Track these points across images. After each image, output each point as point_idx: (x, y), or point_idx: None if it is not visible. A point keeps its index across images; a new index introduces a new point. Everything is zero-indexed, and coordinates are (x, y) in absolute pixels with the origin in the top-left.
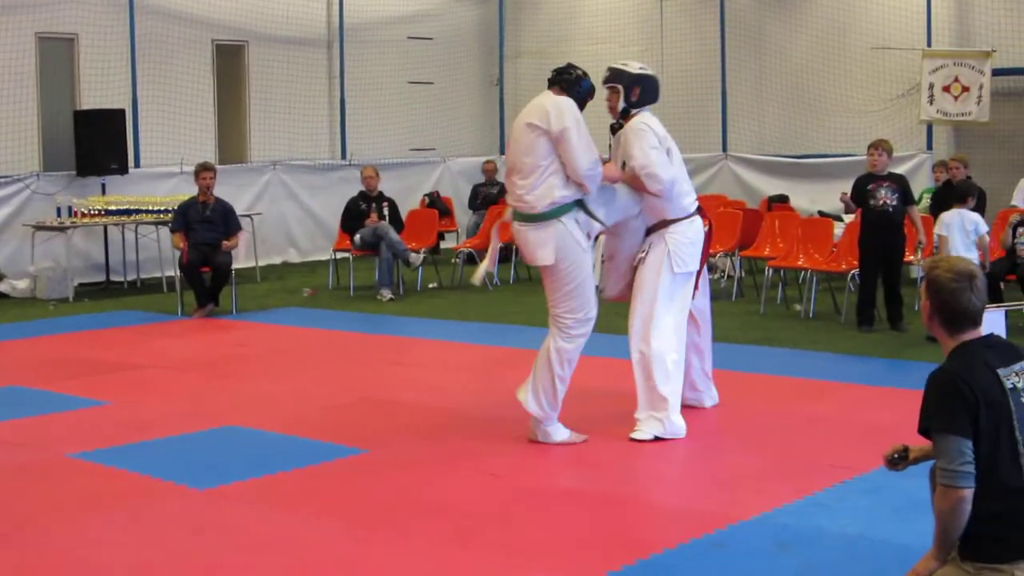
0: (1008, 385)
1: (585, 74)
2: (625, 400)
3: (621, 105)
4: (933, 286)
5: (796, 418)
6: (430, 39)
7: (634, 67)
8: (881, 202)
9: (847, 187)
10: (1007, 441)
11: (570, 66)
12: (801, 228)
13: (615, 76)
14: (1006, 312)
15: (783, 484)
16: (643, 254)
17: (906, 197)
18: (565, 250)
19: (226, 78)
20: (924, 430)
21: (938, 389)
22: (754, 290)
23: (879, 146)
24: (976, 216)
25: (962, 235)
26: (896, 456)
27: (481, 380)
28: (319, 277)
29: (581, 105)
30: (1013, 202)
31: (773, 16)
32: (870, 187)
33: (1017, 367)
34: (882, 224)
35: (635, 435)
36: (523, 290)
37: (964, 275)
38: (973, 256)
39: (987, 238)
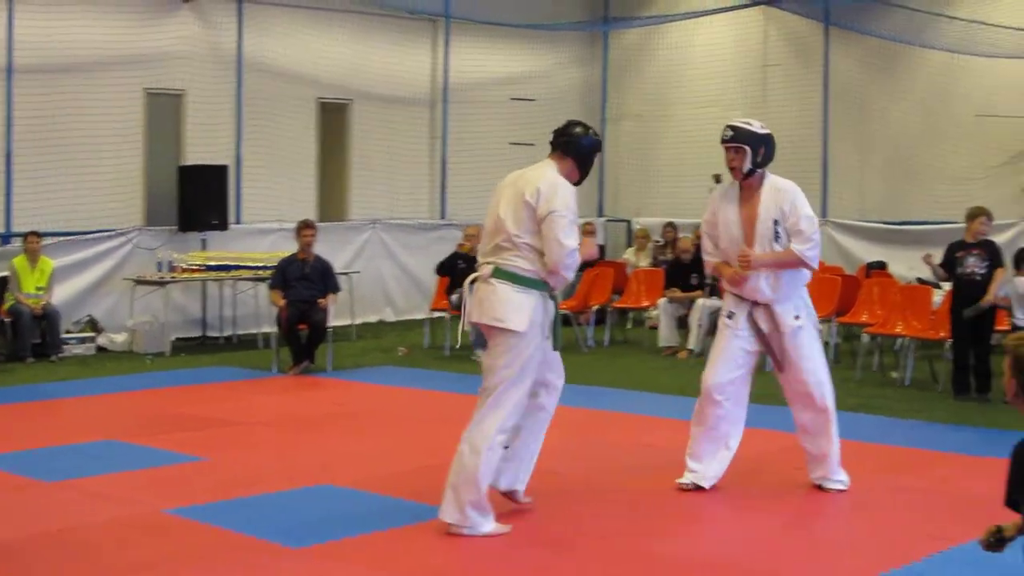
0: None
1: (587, 130)
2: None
3: (747, 166)
4: (1019, 364)
5: (892, 487)
6: (532, 100)
7: (757, 126)
8: (969, 270)
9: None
10: None
11: (569, 124)
12: (900, 295)
13: (740, 136)
14: None
15: (882, 553)
16: (798, 321)
17: (994, 263)
18: (534, 324)
19: (329, 136)
20: (1012, 502)
21: (1023, 460)
22: (851, 357)
23: (986, 215)
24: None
25: (1020, 302)
26: (993, 539)
27: (575, 442)
28: (414, 336)
29: (587, 163)
30: None
31: (877, 82)
32: (959, 254)
33: None
34: (969, 292)
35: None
36: (617, 352)
37: None
38: None
39: None
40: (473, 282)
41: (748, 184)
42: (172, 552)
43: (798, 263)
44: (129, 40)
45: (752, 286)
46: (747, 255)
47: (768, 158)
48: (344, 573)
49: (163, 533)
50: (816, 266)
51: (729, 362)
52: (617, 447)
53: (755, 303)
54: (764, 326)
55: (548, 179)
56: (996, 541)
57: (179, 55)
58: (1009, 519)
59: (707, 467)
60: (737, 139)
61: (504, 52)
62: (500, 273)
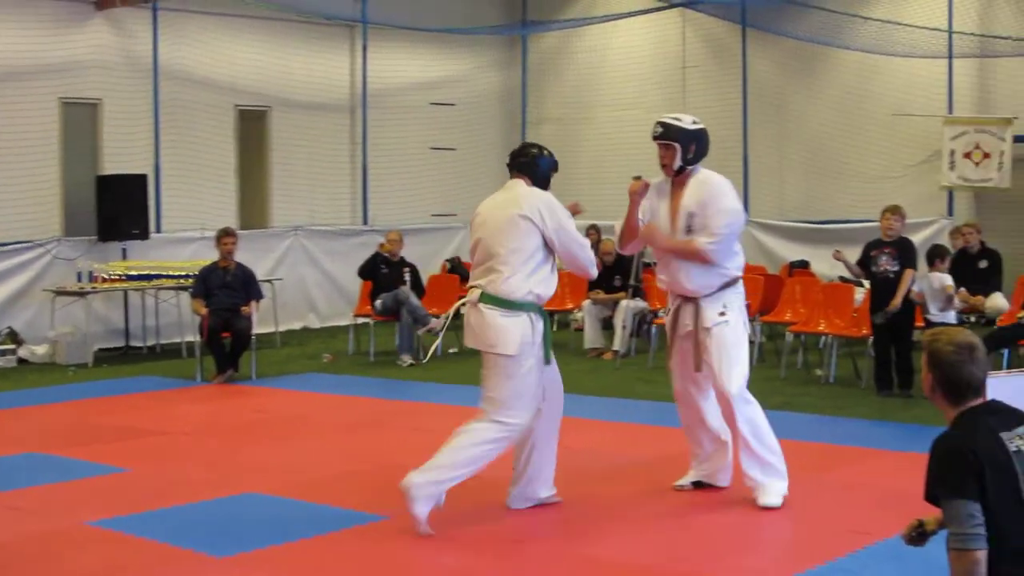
0: (1012, 448)
1: (542, 152)
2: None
3: (678, 163)
4: (934, 358)
5: (816, 483)
6: (452, 105)
7: (687, 121)
8: (881, 268)
9: None
10: (1015, 503)
11: (524, 147)
12: (822, 293)
13: (670, 133)
14: None
15: (805, 550)
16: (723, 316)
17: (905, 261)
18: (526, 346)
19: (249, 143)
20: (931, 497)
21: (942, 455)
22: (775, 355)
23: (896, 211)
24: (940, 275)
25: (933, 298)
26: (915, 534)
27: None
28: (339, 342)
29: (545, 184)
30: None
31: (795, 83)
32: (873, 253)
33: (1020, 430)
34: (883, 290)
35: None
36: None
37: (964, 347)
38: (948, 317)
39: (950, 289)
40: (463, 305)
41: (679, 180)
42: (96, 565)
43: (695, 255)
44: (42, 49)
45: (672, 278)
46: (651, 228)
47: (700, 154)
48: None
49: (86, 546)
50: (714, 260)
51: (680, 364)
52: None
53: (684, 298)
54: (689, 321)
55: (538, 196)
56: (918, 535)
57: (94, 64)
58: (930, 513)
59: (706, 464)
60: (667, 136)
61: (423, 57)
62: (487, 298)
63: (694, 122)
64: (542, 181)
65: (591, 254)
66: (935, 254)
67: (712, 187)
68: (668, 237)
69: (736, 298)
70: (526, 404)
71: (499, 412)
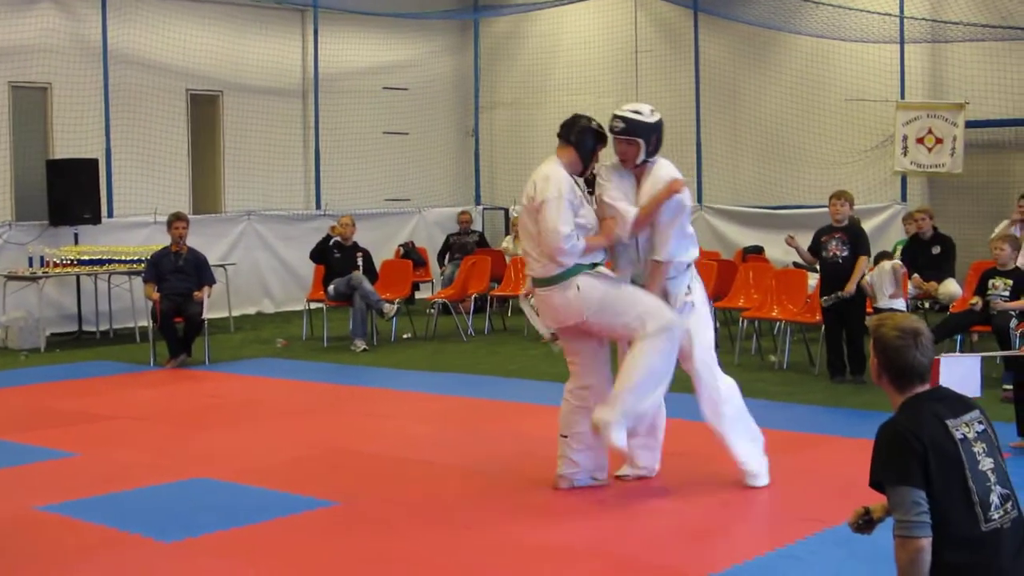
0: (958, 436)
1: (589, 121)
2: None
3: (641, 157)
4: (879, 344)
5: (768, 470)
6: (405, 89)
7: (647, 113)
8: (831, 253)
9: None
10: (961, 491)
11: (575, 117)
12: (775, 279)
13: (633, 128)
14: (982, 359)
15: (753, 537)
16: (688, 297)
17: (856, 247)
18: (591, 302)
19: (200, 128)
20: (876, 483)
21: (888, 442)
22: (729, 341)
23: (841, 196)
24: (892, 261)
25: (883, 282)
26: (861, 521)
27: (453, 431)
28: (293, 327)
29: (585, 151)
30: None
31: (747, 68)
32: (823, 239)
33: (967, 417)
34: (833, 275)
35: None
36: (498, 340)
37: (909, 332)
38: (898, 304)
39: (898, 267)
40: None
41: (637, 171)
42: (43, 549)
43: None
44: None
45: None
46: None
47: (660, 144)
48: (218, 566)
49: (33, 531)
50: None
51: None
52: (493, 436)
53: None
54: None
55: (542, 172)
56: (864, 523)
57: (43, 47)
58: (877, 501)
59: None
60: (629, 132)
61: (375, 41)
62: (535, 282)
63: (652, 111)
64: (584, 148)
65: (563, 242)
66: (881, 257)
67: (659, 181)
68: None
69: (699, 284)
70: (661, 305)
71: (649, 323)
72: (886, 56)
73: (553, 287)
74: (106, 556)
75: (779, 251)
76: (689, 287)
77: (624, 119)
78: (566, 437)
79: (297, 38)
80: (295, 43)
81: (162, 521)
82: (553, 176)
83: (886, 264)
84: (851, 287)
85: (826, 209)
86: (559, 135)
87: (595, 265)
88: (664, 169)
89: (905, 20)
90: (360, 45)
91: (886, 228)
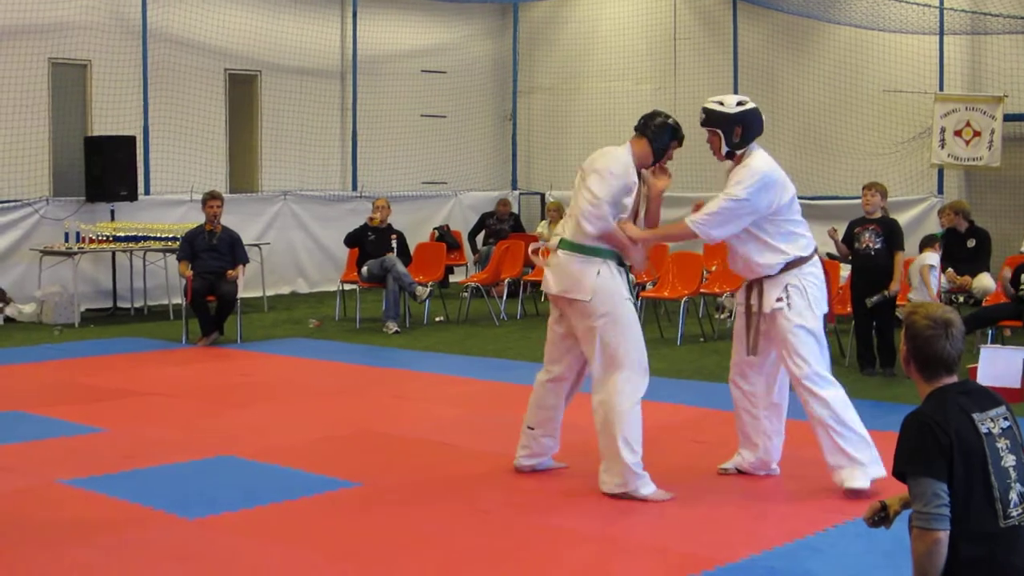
0: (983, 430)
1: (667, 118)
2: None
3: (725, 148)
4: (910, 332)
5: (792, 461)
6: (443, 73)
7: (732, 104)
8: (864, 245)
9: None
10: (982, 486)
11: (655, 113)
12: None
13: (711, 119)
14: None
15: (774, 527)
16: (779, 303)
17: (891, 241)
18: (602, 292)
19: (238, 107)
20: (899, 474)
21: (913, 432)
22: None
23: (872, 187)
24: (925, 255)
25: (917, 277)
26: (877, 517)
27: (479, 415)
28: (327, 308)
29: (659, 144)
30: (1023, 248)
31: (785, 57)
32: (857, 230)
33: (992, 413)
34: (866, 267)
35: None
36: (529, 325)
37: (940, 322)
38: (924, 295)
39: (928, 271)
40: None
41: (736, 161)
42: (64, 522)
43: (684, 233)
44: (32, 9)
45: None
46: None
47: (748, 135)
48: (239, 544)
49: (56, 504)
50: (702, 233)
51: (738, 344)
52: (519, 421)
53: (750, 281)
54: (754, 303)
55: (609, 149)
56: (880, 518)
57: (83, 25)
58: (900, 491)
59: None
60: (708, 122)
61: (414, 24)
62: (563, 243)
63: (739, 103)
64: (657, 142)
65: (590, 209)
66: (926, 243)
67: (740, 171)
68: (648, 229)
69: (798, 279)
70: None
71: (621, 373)
72: (925, 47)
73: (576, 255)
74: (128, 531)
75: (815, 241)
76: (780, 299)
77: (705, 110)
78: (532, 429)
79: (336, 19)
80: (334, 24)
81: (185, 498)
82: (616, 155)
83: (917, 263)
84: (895, 286)
85: (861, 200)
86: (636, 127)
87: (623, 263)
88: (755, 159)
89: (945, 11)
90: (399, 27)
91: (922, 220)
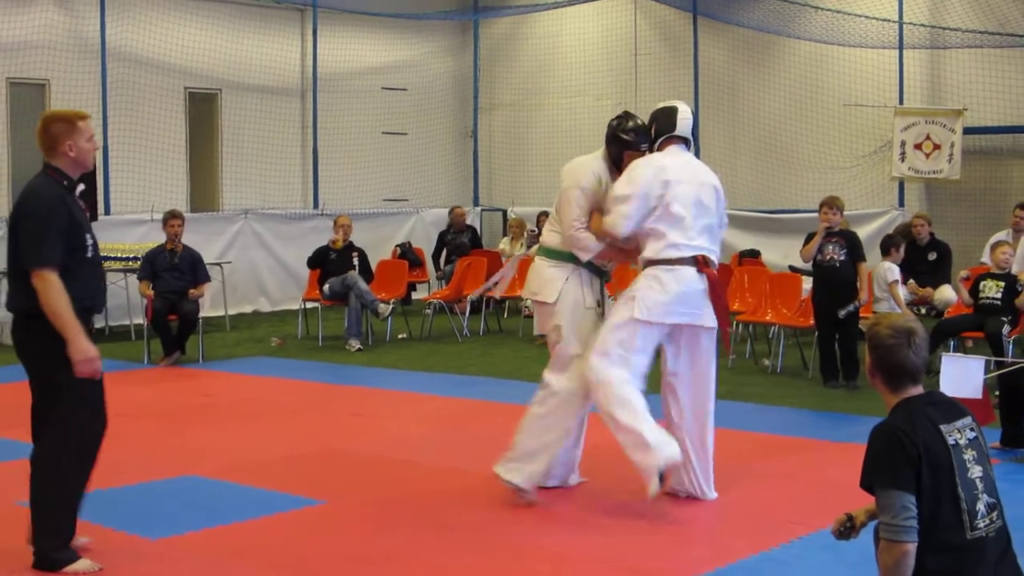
0: (951, 441)
1: (619, 125)
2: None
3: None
4: (873, 342)
5: (756, 473)
6: (404, 90)
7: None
8: (828, 257)
9: None
10: (949, 497)
11: (623, 115)
12: (769, 283)
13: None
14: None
15: (739, 539)
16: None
17: (854, 253)
18: (567, 297)
19: (199, 126)
20: (868, 486)
21: (880, 444)
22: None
23: (832, 204)
24: (888, 265)
25: (878, 287)
26: (843, 528)
27: (443, 432)
28: (289, 326)
29: (612, 151)
30: (982, 259)
31: (746, 72)
32: (821, 242)
33: (959, 424)
34: (829, 279)
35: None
36: (492, 342)
37: (902, 331)
38: (888, 305)
39: (896, 286)
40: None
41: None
42: (24, 545)
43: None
44: None
45: None
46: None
47: (660, 133)
48: (201, 564)
49: (16, 526)
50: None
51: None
52: (484, 437)
53: None
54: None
55: (574, 162)
56: (846, 530)
57: (42, 44)
58: (866, 503)
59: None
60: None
61: (374, 41)
62: (540, 250)
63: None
64: (611, 147)
65: (574, 241)
66: (890, 243)
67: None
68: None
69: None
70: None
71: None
72: (885, 61)
73: (548, 260)
74: (90, 553)
75: (776, 255)
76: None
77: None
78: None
79: (296, 37)
80: (294, 42)
81: (148, 518)
82: (579, 167)
83: (882, 269)
84: (864, 295)
85: None
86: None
87: (600, 272)
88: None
89: (904, 26)
90: (359, 45)
91: (882, 234)
